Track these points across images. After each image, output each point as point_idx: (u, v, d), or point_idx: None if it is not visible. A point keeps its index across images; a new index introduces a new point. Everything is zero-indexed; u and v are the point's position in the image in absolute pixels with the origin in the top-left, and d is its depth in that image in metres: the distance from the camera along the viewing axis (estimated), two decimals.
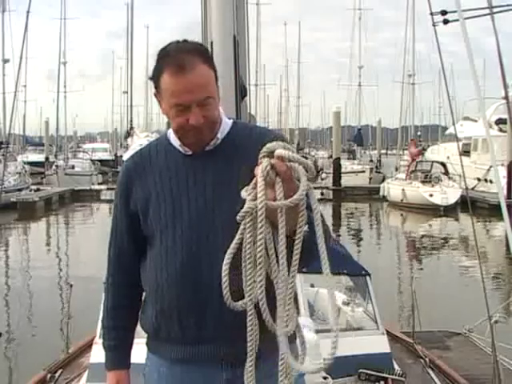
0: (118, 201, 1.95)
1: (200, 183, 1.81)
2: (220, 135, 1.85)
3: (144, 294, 1.95)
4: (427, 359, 5.01)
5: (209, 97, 1.76)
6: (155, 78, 1.78)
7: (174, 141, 1.88)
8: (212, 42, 2.78)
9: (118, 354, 2.01)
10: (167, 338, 1.86)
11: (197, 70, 1.73)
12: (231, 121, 1.93)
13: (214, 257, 1.74)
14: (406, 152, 33.18)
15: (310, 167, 1.51)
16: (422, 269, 14.27)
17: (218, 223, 1.76)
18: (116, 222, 1.96)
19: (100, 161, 42.03)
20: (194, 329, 1.79)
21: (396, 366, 3.99)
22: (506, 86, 3.31)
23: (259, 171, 1.48)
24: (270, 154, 1.50)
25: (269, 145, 1.52)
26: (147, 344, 1.96)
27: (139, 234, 1.89)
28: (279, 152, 1.49)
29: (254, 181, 1.50)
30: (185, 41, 1.82)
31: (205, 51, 1.83)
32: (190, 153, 1.86)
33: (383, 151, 50.61)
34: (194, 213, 1.80)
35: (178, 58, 1.74)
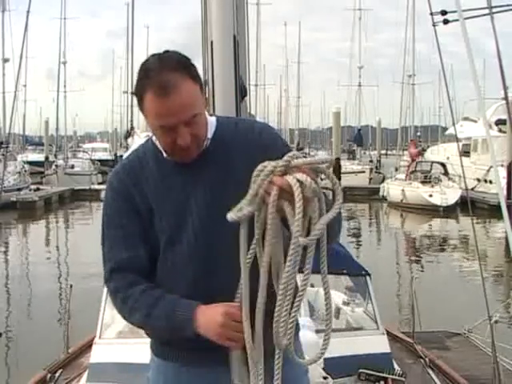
0: (118, 207, 1.81)
1: (198, 189, 1.77)
2: (209, 135, 1.79)
3: None
4: (427, 359, 5.01)
5: (195, 115, 1.69)
6: (138, 96, 1.70)
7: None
8: (212, 42, 2.78)
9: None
10: (174, 343, 1.80)
11: (181, 89, 1.65)
12: (214, 118, 1.87)
13: (221, 263, 1.73)
14: (405, 152, 33.18)
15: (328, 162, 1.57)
16: (421, 269, 14.28)
17: (222, 228, 1.70)
18: (122, 229, 1.79)
19: (100, 160, 41.96)
20: (204, 337, 1.70)
21: (396, 366, 3.99)
22: (505, 87, 3.31)
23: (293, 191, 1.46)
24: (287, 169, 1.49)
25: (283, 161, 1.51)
26: (152, 347, 1.91)
27: (149, 240, 1.78)
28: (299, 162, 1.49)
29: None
30: (166, 52, 1.72)
31: (187, 64, 1.71)
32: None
33: (383, 151, 50.54)
34: (197, 223, 1.75)
35: (160, 79, 1.64)
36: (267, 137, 1.83)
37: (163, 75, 1.64)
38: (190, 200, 1.76)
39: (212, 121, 1.84)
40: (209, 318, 1.64)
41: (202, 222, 1.75)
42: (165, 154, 1.80)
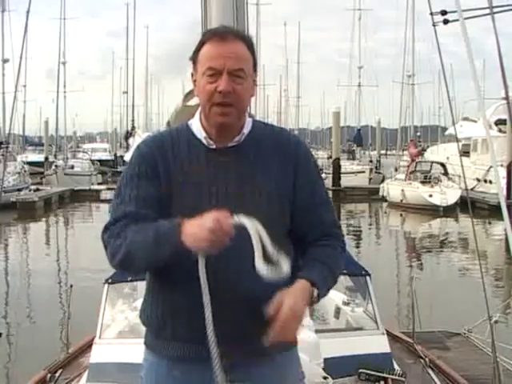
0: (140, 171, 1.82)
1: (223, 180, 1.79)
2: (246, 130, 1.85)
3: (149, 288, 1.90)
4: (427, 359, 5.00)
5: (242, 69, 1.78)
6: (196, 50, 1.83)
7: (199, 132, 1.86)
8: None
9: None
10: (171, 337, 1.81)
11: (237, 43, 1.80)
12: (251, 118, 1.93)
13: (232, 257, 1.73)
14: (405, 152, 33.17)
15: None
16: (421, 269, 14.28)
17: None
18: (138, 189, 1.79)
19: (99, 161, 41.97)
20: (201, 328, 1.72)
21: (396, 366, 3.98)
22: (506, 86, 3.30)
23: None
24: None
25: None
26: (146, 342, 1.91)
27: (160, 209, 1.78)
28: None
29: None
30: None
31: (249, 41, 1.88)
32: (214, 147, 1.83)
33: (383, 152, 50.53)
34: (215, 209, 1.74)
35: (223, 33, 1.82)
36: (302, 155, 1.91)
37: (226, 32, 1.84)
38: (212, 188, 1.79)
39: (249, 120, 1.90)
40: (197, 223, 1.63)
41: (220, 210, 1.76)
42: (203, 134, 1.83)
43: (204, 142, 1.84)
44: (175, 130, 1.94)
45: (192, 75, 1.86)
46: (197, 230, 1.62)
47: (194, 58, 1.84)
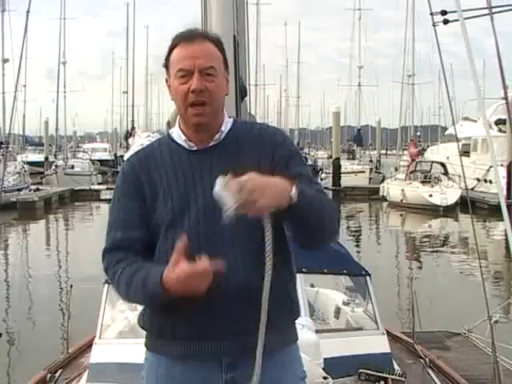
0: (124, 190, 1.92)
1: (206, 179, 1.81)
2: (224, 129, 1.89)
3: None
4: (427, 359, 5.00)
5: (212, 67, 1.82)
6: (167, 56, 1.87)
7: (179, 137, 1.91)
8: None
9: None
10: (171, 336, 1.83)
11: (206, 43, 1.85)
12: (232, 118, 1.97)
13: (220, 252, 1.75)
14: (405, 152, 33.19)
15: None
16: (421, 269, 14.29)
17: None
18: (123, 211, 1.90)
19: (100, 161, 41.95)
20: (200, 326, 1.77)
21: (396, 366, 3.98)
22: (505, 87, 3.31)
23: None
24: None
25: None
26: (146, 344, 1.93)
27: (149, 225, 1.87)
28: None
29: None
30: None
31: (218, 40, 1.91)
32: (195, 148, 1.88)
33: (383, 151, 50.54)
34: (201, 209, 1.81)
35: (190, 34, 1.88)
36: (278, 142, 1.91)
37: (193, 34, 1.89)
38: (198, 188, 1.83)
39: (229, 119, 1.95)
40: (175, 274, 1.69)
41: (206, 209, 1.80)
42: (183, 137, 1.89)
43: (185, 145, 1.89)
44: (157, 141, 2.01)
45: (166, 81, 1.91)
46: (175, 279, 1.69)
47: (167, 64, 1.89)
